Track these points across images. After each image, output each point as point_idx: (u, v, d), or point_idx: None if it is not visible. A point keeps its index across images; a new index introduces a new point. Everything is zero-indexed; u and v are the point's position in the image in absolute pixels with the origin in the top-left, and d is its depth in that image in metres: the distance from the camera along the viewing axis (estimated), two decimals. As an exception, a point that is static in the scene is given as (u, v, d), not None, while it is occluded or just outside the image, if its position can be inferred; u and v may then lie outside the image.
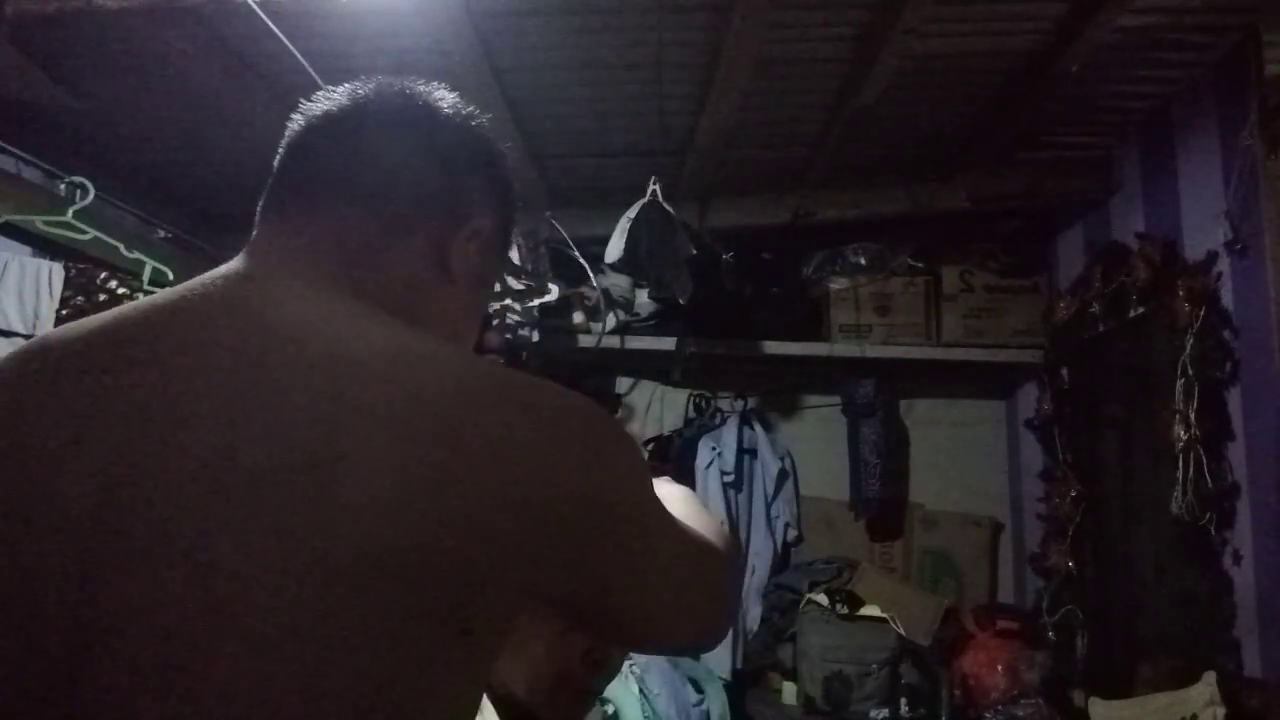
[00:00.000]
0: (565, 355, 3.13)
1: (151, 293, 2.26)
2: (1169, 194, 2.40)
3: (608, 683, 1.12)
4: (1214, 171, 2.18)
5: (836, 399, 3.41)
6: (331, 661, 0.54)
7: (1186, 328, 2.17)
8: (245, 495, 0.56)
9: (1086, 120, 2.58)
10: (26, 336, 2.22)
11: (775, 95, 2.38)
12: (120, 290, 2.42)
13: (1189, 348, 2.15)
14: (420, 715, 0.57)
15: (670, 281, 2.68)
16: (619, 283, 3.03)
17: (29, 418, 0.63)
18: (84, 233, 2.20)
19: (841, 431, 3.40)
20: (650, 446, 3.39)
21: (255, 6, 1.71)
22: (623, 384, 3.61)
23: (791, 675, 2.92)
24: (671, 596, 0.70)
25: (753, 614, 3.15)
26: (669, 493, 0.82)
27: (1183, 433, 2.15)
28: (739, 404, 3.44)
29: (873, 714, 2.74)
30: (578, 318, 3.08)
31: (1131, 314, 2.48)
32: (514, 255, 2.64)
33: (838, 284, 3.18)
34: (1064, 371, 2.89)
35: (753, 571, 3.20)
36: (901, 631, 2.82)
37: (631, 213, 2.66)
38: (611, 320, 3.06)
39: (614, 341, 3.07)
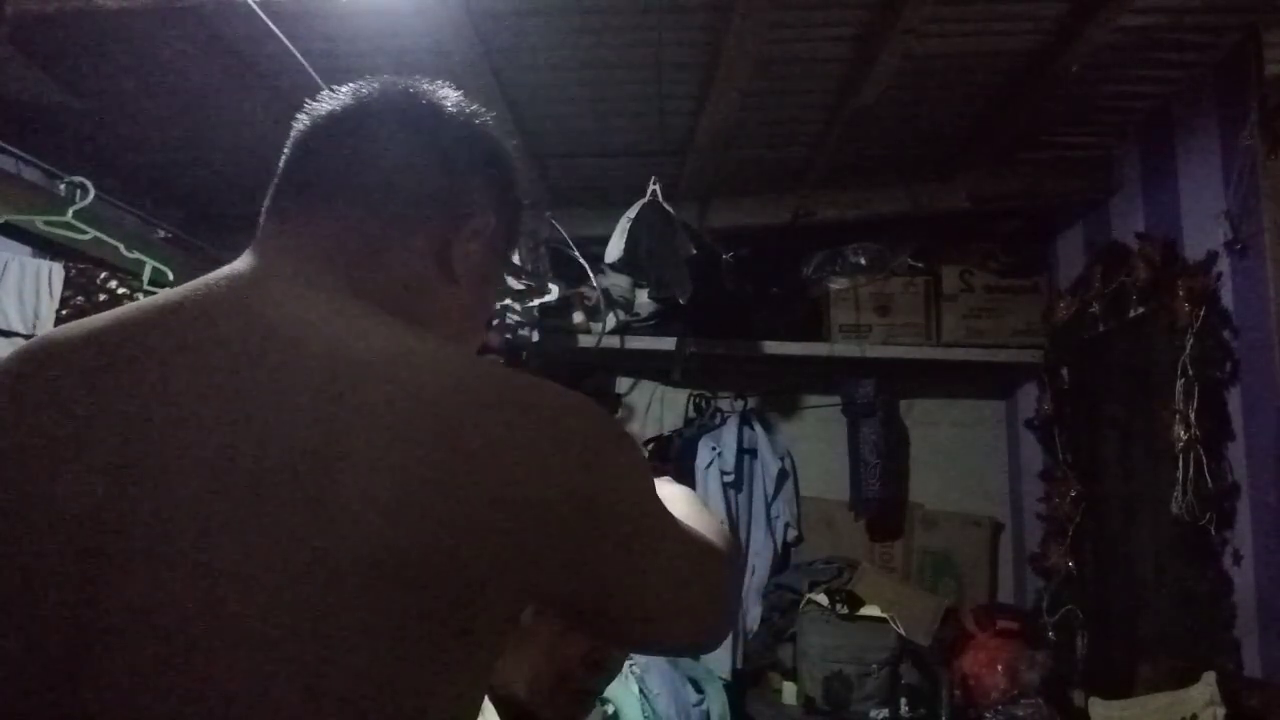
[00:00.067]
0: (565, 355, 3.13)
1: (152, 293, 2.27)
2: (1169, 194, 2.40)
3: (608, 683, 1.12)
4: (1214, 171, 2.18)
5: (836, 399, 3.41)
6: (331, 661, 0.54)
7: (1186, 328, 2.17)
8: (246, 495, 0.56)
9: (1086, 120, 2.58)
10: (26, 336, 2.22)
11: (775, 95, 2.38)
12: (120, 290, 2.41)
13: (1189, 348, 2.15)
14: (420, 715, 0.57)
15: (670, 281, 2.68)
16: (619, 283, 3.03)
17: (29, 417, 0.63)
18: (84, 233, 2.19)
19: (841, 431, 3.40)
20: (650, 446, 3.39)
21: (255, 6, 1.71)
22: (623, 384, 3.61)
23: (791, 675, 2.92)
24: (672, 596, 0.70)
25: (753, 614, 3.15)
26: (669, 493, 0.82)
27: (1183, 433, 2.15)
28: (739, 404, 3.44)
29: (873, 714, 2.74)
30: (578, 318, 3.08)
31: (1131, 314, 2.48)
32: (514, 255, 2.64)
33: (838, 284, 3.18)
34: (1064, 371, 2.89)
35: (753, 571, 3.20)
36: (901, 631, 2.82)
37: (631, 213, 2.66)
38: (611, 320, 3.06)
39: (614, 341, 3.07)
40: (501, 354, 2.79)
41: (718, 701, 2.54)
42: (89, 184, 2.19)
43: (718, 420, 3.40)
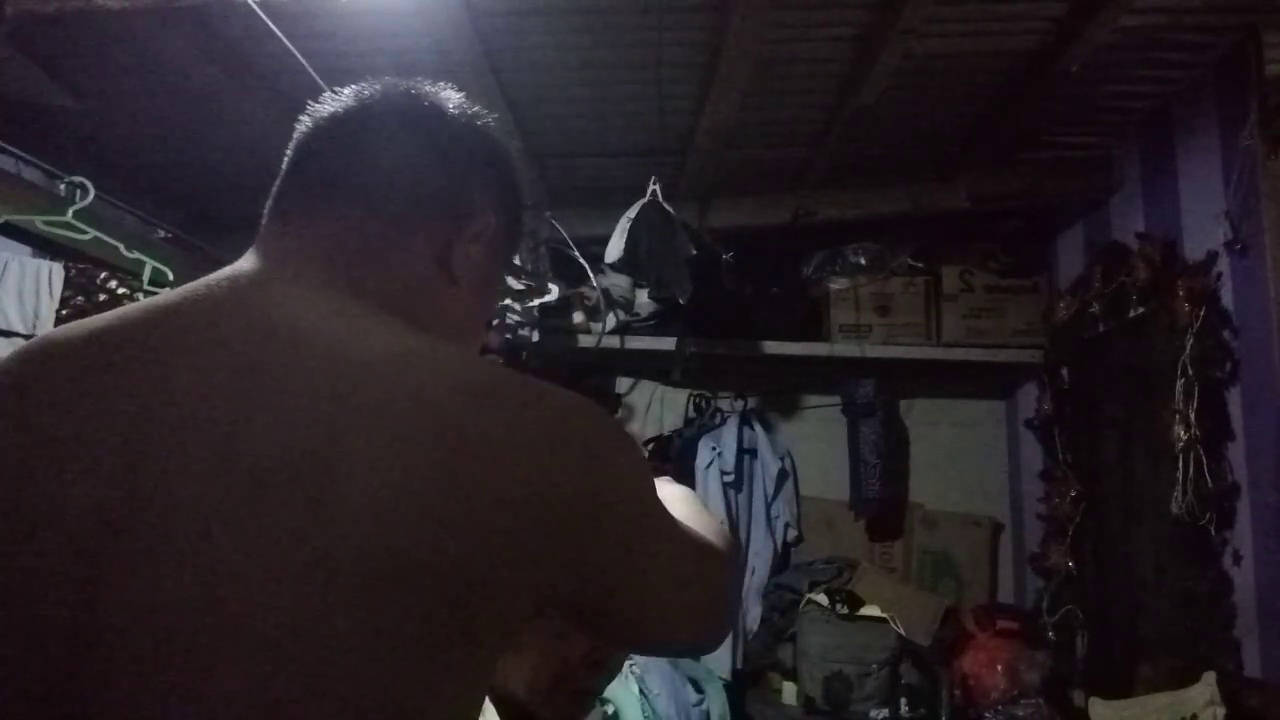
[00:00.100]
0: (565, 355, 3.13)
1: (152, 293, 2.27)
2: (1169, 194, 2.40)
3: (608, 683, 1.12)
4: (1214, 171, 2.18)
5: (836, 399, 3.41)
6: (332, 662, 0.54)
7: (1186, 328, 2.17)
8: (246, 496, 0.56)
9: (1086, 120, 2.58)
10: (26, 336, 2.22)
11: (775, 95, 2.38)
12: (120, 290, 2.41)
13: (1189, 348, 2.15)
14: (420, 715, 0.57)
15: (670, 281, 2.68)
16: (619, 283, 3.03)
17: (30, 417, 0.63)
18: (84, 233, 2.19)
19: (841, 431, 3.40)
20: (650, 446, 3.40)
21: (255, 6, 1.71)
22: (623, 384, 3.61)
23: (791, 675, 2.92)
24: (672, 597, 0.70)
25: (753, 614, 3.15)
26: (669, 493, 0.82)
27: (1183, 433, 2.15)
28: (739, 404, 3.44)
29: (873, 714, 2.74)
30: (578, 318, 3.08)
31: (1131, 314, 2.48)
32: (516, 257, 2.64)
33: (838, 284, 3.18)
34: (1064, 371, 2.89)
35: (753, 571, 3.20)
36: (901, 631, 2.82)
37: (631, 213, 2.66)
38: (611, 320, 3.06)
39: (614, 341, 3.07)
40: (501, 354, 2.79)
41: (718, 701, 2.54)
42: (89, 184, 2.19)
43: (718, 420, 3.40)
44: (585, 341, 3.05)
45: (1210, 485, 2.10)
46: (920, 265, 3.18)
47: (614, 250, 2.67)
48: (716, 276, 2.91)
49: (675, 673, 2.47)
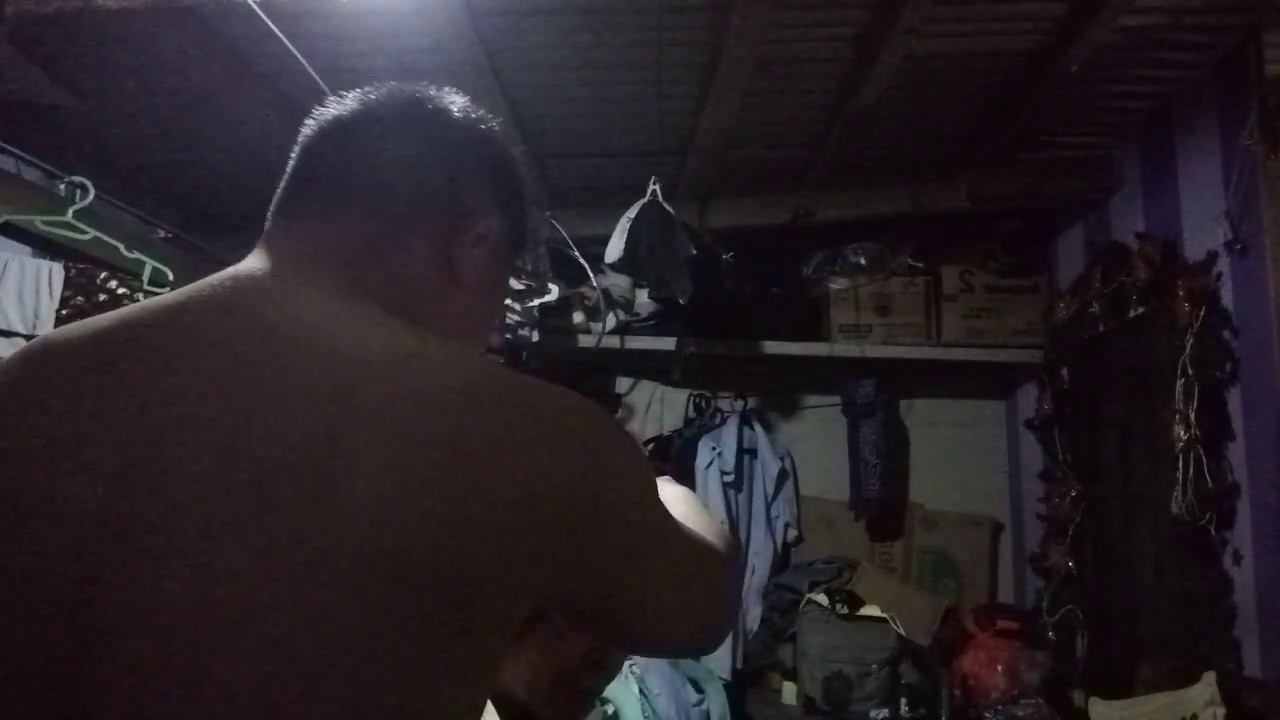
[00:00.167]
0: (565, 355, 3.13)
1: (152, 293, 2.27)
2: (1169, 194, 2.40)
3: (607, 683, 1.12)
4: (1214, 171, 2.18)
5: (836, 399, 3.41)
6: (332, 662, 0.54)
7: (1186, 328, 2.17)
8: (247, 495, 0.56)
9: (1086, 120, 2.58)
10: (27, 337, 2.22)
11: (775, 95, 2.38)
12: (120, 290, 2.41)
13: (1189, 348, 2.15)
14: (420, 715, 0.57)
15: (670, 281, 2.68)
16: (619, 283, 3.03)
17: (31, 417, 0.63)
18: (84, 233, 2.19)
19: (841, 431, 3.40)
20: (650, 446, 3.39)
21: (255, 6, 1.71)
22: (623, 384, 3.61)
23: (791, 675, 2.92)
24: (672, 597, 0.70)
25: (753, 614, 3.15)
26: (669, 493, 0.82)
27: (1183, 433, 2.15)
28: (739, 404, 3.44)
29: (873, 714, 2.74)
30: (578, 318, 3.08)
31: (1131, 314, 2.48)
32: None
33: (838, 284, 3.18)
34: (1064, 371, 2.89)
35: (753, 571, 3.20)
36: (901, 631, 2.82)
37: (631, 213, 2.66)
38: (611, 320, 3.06)
39: (614, 341, 3.07)
40: (501, 354, 2.79)
41: (718, 701, 2.54)
42: (89, 184, 2.19)
43: (718, 420, 3.40)
44: (585, 341, 3.05)
45: (1210, 485, 2.10)
46: (920, 265, 3.18)
47: (614, 250, 2.67)
48: (716, 276, 2.91)
49: (675, 673, 2.47)
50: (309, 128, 0.77)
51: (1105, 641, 2.66)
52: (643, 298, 3.07)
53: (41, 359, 0.67)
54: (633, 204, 2.67)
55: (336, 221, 0.73)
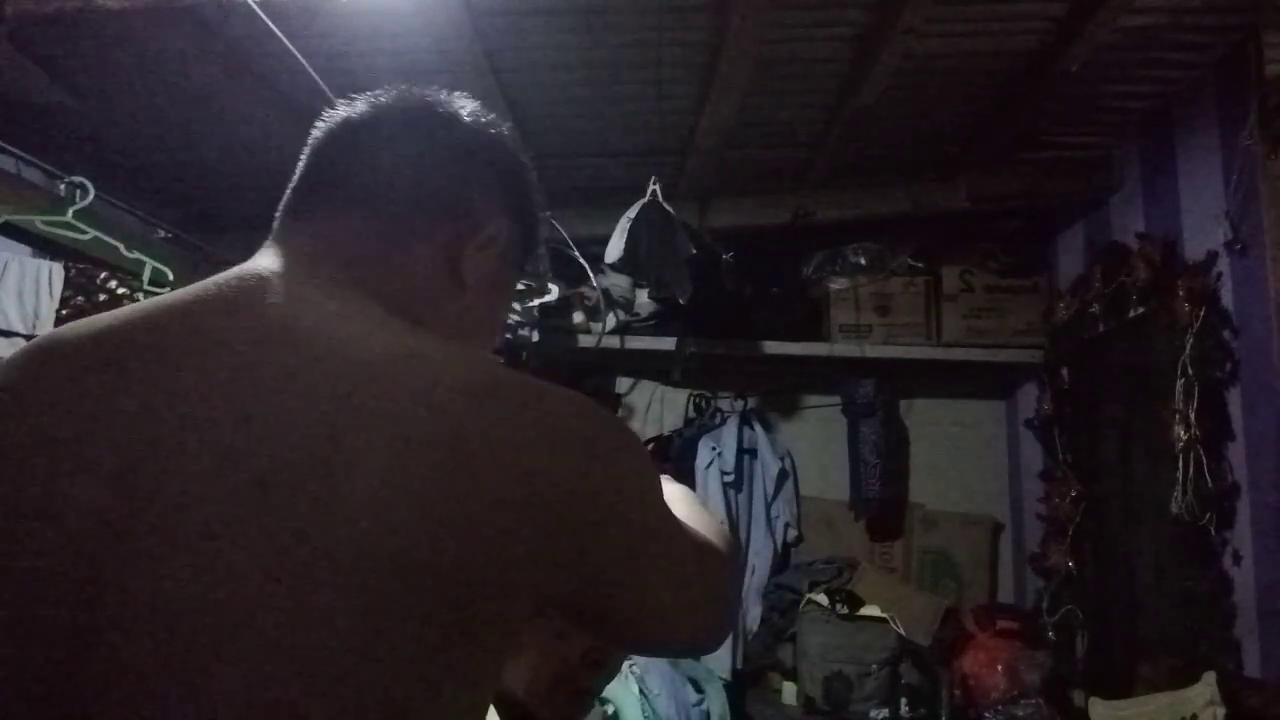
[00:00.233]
0: (565, 355, 3.13)
1: (152, 293, 2.27)
2: (1169, 194, 2.40)
3: (607, 683, 1.12)
4: (1214, 171, 2.18)
5: (836, 399, 3.41)
6: (331, 661, 0.54)
7: (1186, 328, 2.17)
8: (247, 496, 0.56)
9: (1086, 120, 2.58)
10: (27, 336, 2.22)
11: (775, 95, 2.38)
12: (120, 290, 2.42)
13: (1189, 348, 2.15)
14: (420, 715, 0.57)
15: (670, 281, 2.68)
16: (619, 283, 3.03)
17: (32, 417, 0.63)
18: (84, 233, 2.19)
19: (841, 431, 3.40)
20: (650, 446, 3.39)
21: (255, 6, 1.71)
22: (623, 384, 3.61)
23: (791, 675, 2.92)
24: (673, 597, 0.70)
25: (753, 614, 3.15)
26: (669, 493, 0.82)
27: (1183, 433, 2.15)
28: (739, 404, 3.44)
29: (873, 714, 2.74)
30: (578, 318, 3.08)
31: (1131, 314, 2.48)
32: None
33: (838, 284, 3.18)
34: (1064, 371, 2.89)
35: (753, 571, 3.20)
36: (901, 631, 2.82)
37: (631, 213, 2.66)
38: (611, 320, 3.06)
39: (614, 341, 3.07)
40: (501, 354, 2.79)
41: (718, 701, 2.54)
42: (89, 184, 2.19)
43: (718, 420, 3.40)
44: (585, 341, 3.05)
45: (1210, 485, 2.10)
46: (920, 265, 3.18)
47: (614, 250, 2.67)
48: (716, 276, 2.91)
49: (675, 673, 2.47)
50: (319, 129, 0.78)
51: (1105, 641, 2.66)
52: (643, 298, 3.07)
53: (43, 358, 0.67)
54: (633, 204, 2.67)
55: (343, 222, 0.73)
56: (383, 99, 0.78)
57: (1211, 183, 2.19)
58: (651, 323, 3.11)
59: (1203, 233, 2.22)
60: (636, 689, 2.19)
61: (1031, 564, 3.02)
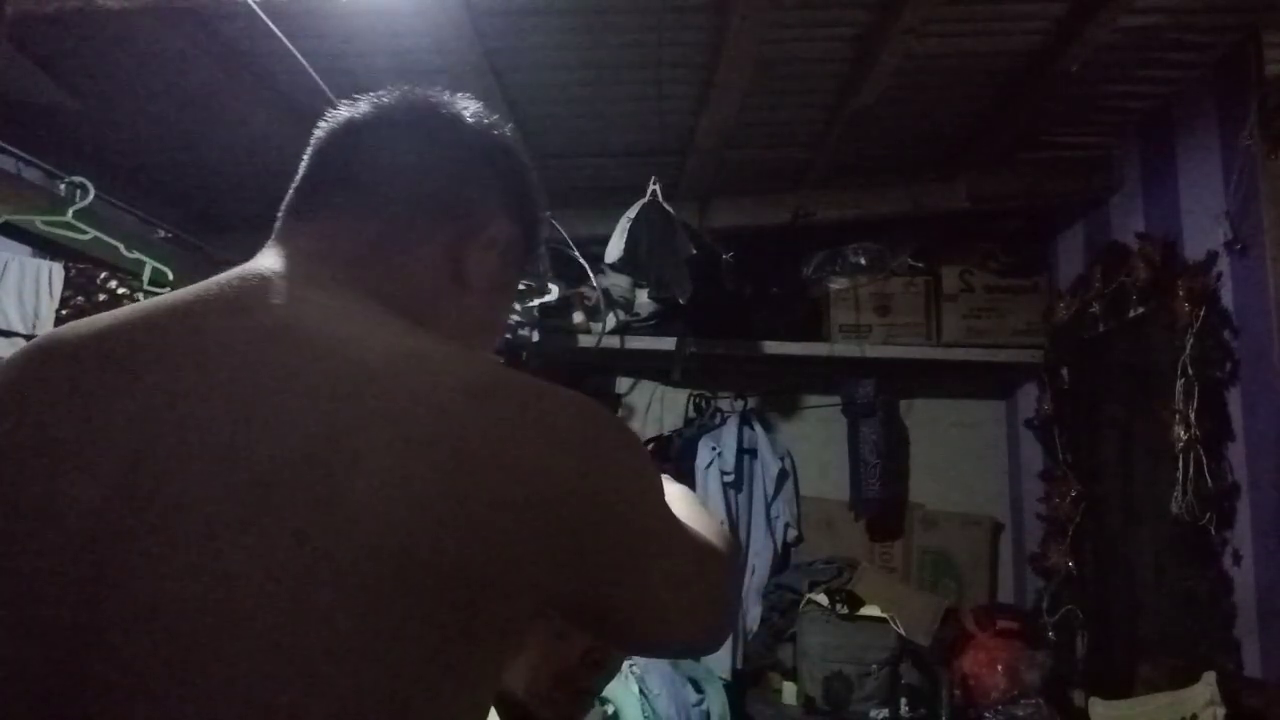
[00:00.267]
0: (565, 355, 3.13)
1: (152, 293, 2.27)
2: (1169, 194, 2.40)
3: (606, 683, 1.12)
4: (1214, 171, 2.18)
5: (836, 399, 3.41)
6: (332, 662, 0.54)
7: (1186, 328, 2.17)
8: (250, 496, 0.56)
9: (1086, 120, 2.58)
10: (27, 336, 2.22)
11: (775, 95, 2.38)
12: (120, 290, 2.42)
13: (1189, 348, 2.15)
14: (420, 716, 0.57)
15: (670, 281, 2.68)
16: (619, 283, 3.03)
17: (33, 416, 0.63)
18: (84, 233, 2.19)
19: (841, 431, 3.40)
20: (650, 446, 3.39)
21: (255, 6, 1.71)
22: (623, 384, 3.61)
23: (791, 675, 2.92)
24: (673, 597, 0.69)
25: (753, 614, 3.15)
26: (669, 493, 0.82)
27: (1183, 433, 2.15)
28: (739, 404, 3.44)
29: (873, 714, 2.74)
30: (578, 318, 3.08)
31: (1131, 314, 2.48)
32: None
33: (838, 284, 3.18)
34: (1064, 371, 2.89)
35: (753, 571, 3.20)
36: (901, 631, 2.82)
37: (631, 213, 2.66)
38: (611, 320, 3.06)
39: (614, 341, 3.07)
40: (501, 354, 2.79)
41: (718, 701, 2.54)
42: (89, 184, 2.19)
43: (718, 420, 3.40)
44: (585, 341, 3.05)
45: (1210, 485, 2.10)
46: (920, 265, 3.18)
47: (614, 250, 2.67)
48: (716, 276, 2.91)
49: (675, 673, 2.47)
50: (322, 129, 0.78)
51: (1105, 641, 2.66)
52: (643, 298, 3.07)
53: (43, 358, 0.67)
54: (633, 204, 2.67)
55: (345, 222, 0.73)
56: (386, 100, 0.79)
57: (1211, 183, 2.19)
58: (651, 323, 3.11)
59: (1203, 233, 2.22)
60: (636, 689, 2.19)
61: (1031, 564, 3.02)
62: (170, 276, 2.38)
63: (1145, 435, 2.47)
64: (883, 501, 3.28)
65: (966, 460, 3.49)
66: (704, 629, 0.74)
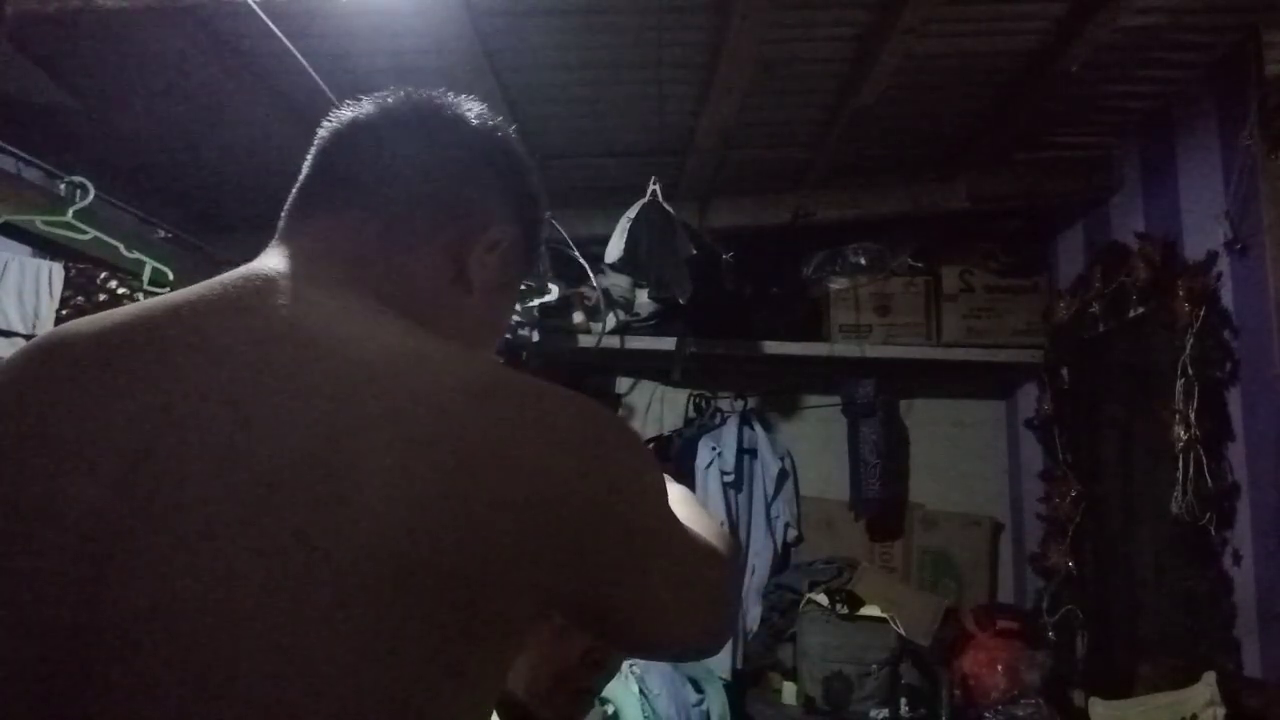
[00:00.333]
0: (565, 355, 3.13)
1: (152, 293, 2.27)
2: (1169, 194, 2.40)
3: (606, 683, 1.12)
4: (1214, 171, 2.18)
5: (836, 399, 3.41)
6: (333, 662, 0.54)
7: (1186, 328, 2.17)
8: (249, 496, 0.56)
9: (1086, 120, 2.58)
10: (27, 336, 2.22)
11: (775, 95, 2.38)
12: (120, 290, 2.41)
13: (1189, 348, 2.15)
14: (421, 716, 0.57)
15: (670, 281, 2.68)
16: (619, 283, 3.03)
17: (34, 414, 0.63)
18: (84, 233, 2.19)
19: (841, 431, 3.40)
20: (650, 446, 3.39)
21: (255, 6, 1.71)
22: (623, 384, 3.61)
23: (791, 675, 2.92)
24: (673, 598, 0.69)
25: (753, 614, 3.15)
26: (669, 494, 0.82)
27: (1183, 433, 2.15)
28: (739, 404, 3.44)
29: (873, 714, 2.74)
30: (578, 318, 3.08)
31: (1131, 314, 2.48)
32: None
33: (838, 284, 3.18)
34: (1064, 371, 2.89)
35: (753, 571, 3.20)
36: (901, 631, 2.82)
37: (631, 213, 2.66)
38: (611, 320, 3.06)
39: (614, 341, 3.07)
40: (501, 354, 2.79)
41: (718, 701, 2.54)
42: (89, 184, 2.19)
43: (718, 420, 3.40)
44: (585, 341, 3.05)
45: (1210, 485, 2.10)
46: (920, 265, 3.18)
47: (614, 250, 2.67)
48: (716, 276, 2.91)
49: (675, 673, 2.47)
50: (325, 129, 0.78)
51: (1105, 641, 2.66)
52: (643, 298, 3.07)
53: (43, 357, 0.67)
54: (633, 204, 2.67)
55: (347, 222, 0.73)
56: (389, 100, 0.79)
57: (1211, 183, 2.19)
58: (651, 323, 3.11)
59: (1203, 233, 2.22)
60: (636, 689, 2.19)
61: (1031, 564, 3.02)
62: (170, 276, 2.38)
63: (1145, 435, 2.47)
64: (883, 501, 3.28)
65: (966, 460, 3.49)
66: (704, 630, 0.74)
